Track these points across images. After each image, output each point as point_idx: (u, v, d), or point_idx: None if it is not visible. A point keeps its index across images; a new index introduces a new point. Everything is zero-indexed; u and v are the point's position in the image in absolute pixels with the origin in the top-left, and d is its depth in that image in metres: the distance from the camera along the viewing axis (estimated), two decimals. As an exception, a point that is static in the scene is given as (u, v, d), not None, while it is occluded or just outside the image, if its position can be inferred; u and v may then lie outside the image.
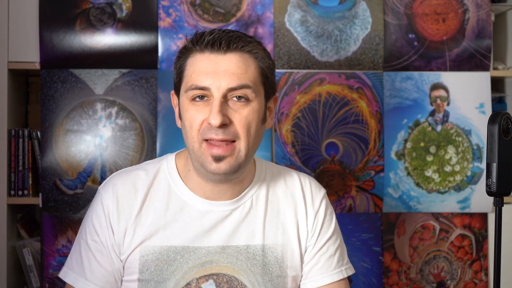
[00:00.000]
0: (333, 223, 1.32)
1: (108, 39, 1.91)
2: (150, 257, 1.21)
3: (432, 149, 2.00)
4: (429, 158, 2.00)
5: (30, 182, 1.95)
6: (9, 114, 1.93)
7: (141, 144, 1.92)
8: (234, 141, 1.16)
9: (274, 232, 1.26)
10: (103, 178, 1.89)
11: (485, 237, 2.03)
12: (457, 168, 2.00)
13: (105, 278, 1.22)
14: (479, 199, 2.00)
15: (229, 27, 1.92)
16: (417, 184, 1.99)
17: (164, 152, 1.88)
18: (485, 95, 2.01)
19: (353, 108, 1.97)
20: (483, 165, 2.00)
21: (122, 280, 1.24)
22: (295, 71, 1.96)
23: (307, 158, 1.96)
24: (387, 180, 1.98)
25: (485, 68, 2.01)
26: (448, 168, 2.00)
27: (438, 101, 2.00)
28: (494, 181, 1.03)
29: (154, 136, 1.92)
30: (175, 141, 1.90)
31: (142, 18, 1.92)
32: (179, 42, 1.91)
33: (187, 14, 1.94)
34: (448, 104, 2.00)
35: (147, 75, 1.92)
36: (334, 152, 1.97)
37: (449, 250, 2.02)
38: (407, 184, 1.99)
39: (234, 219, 1.24)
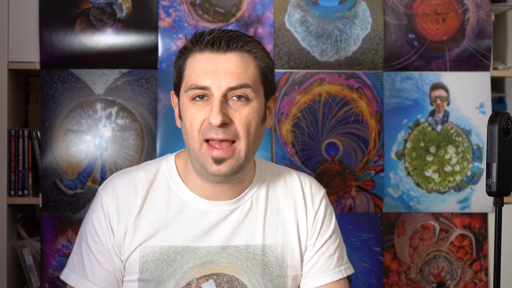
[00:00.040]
0: (332, 223, 1.32)
1: (108, 39, 1.91)
2: (150, 257, 1.21)
3: (432, 149, 2.00)
4: (429, 158, 2.00)
5: (30, 182, 1.95)
6: (9, 114, 1.93)
7: (141, 144, 1.92)
8: (234, 142, 1.16)
9: (274, 232, 1.26)
10: (103, 178, 1.89)
11: (485, 237, 2.03)
12: (457, 168, 2.00)
13: (106, 279, 1.22)
14: (479, 199, 2.00)
15: (229, 27, 1.92)
16: (417, 184, 1.99)
17: (164, 152, 1.88)
18: (485, 95, 2.01)
19: (353, 108, 1.97)
20: (483, 165, 2.00)
21: (123, 281, 1.24)
22: (295, 71, 1.96)
23: (307, 158, 1.96)
24: (387, 180, 1.98)
25: (485, 68, 2.01)
26: (448, 168, 2.00)
27: (438, 101, 2.00)
28: (494, 181, 1.03)
29: (154, 136, 1.92)
30: (175, 141, 1.90)
31: (142, 18, 1.92)
32: (179, 42, 1.91)
33: (187, 14, 1.94)
34: (448, 104, 2.00)
35: (147, 75, 1.92)
36: (334, 152, 1.97)
37: (449, 250, 2.02)
38: (407, 184, 1.99)
39: (234, 219, 1.24)
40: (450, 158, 2.00)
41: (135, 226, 1.22)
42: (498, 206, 1.04)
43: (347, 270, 1.32)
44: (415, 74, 2.00)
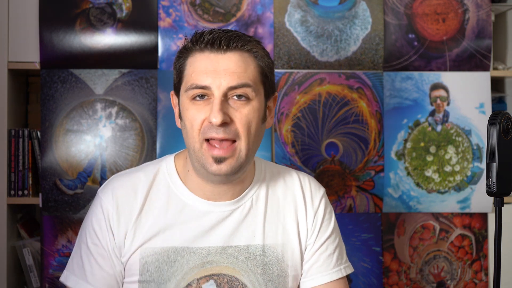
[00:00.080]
0: (332, 222, 1.33)
1: (108, 39, 1.91)
2: (150, 258, 1.21)
3: (432, 149, 2.00)
4: (429, 158, 2.00)
5: (30, 182, 1.95)
6: (9, 114, 1.93)
7: (141, 144, 1.92)
8: (234, 141, 1.16)
9: (274, 232, 1.26)
10: (103, 178, 1.89)
11: (485, 237, 2.03)
12: (457, 168, 2.00)
13: (106, 281, 1.22)
14: (479, 199, 2.00)
15: (229, 27, 1.92)
16: (417, 184, 1.99)
17: (164, 152, 1.88)
18: (485, 95, 2.01)
19: (353, 108, 1.97)
20: (483, 165, 2.00)
21: (123, 282, 1.24)
22: (295, 71, 1.96)
23: (307, 158, 1.96)
24: (387, 180, 1.98)
25: (485, 68, 2.01)
26: (448, 168, 2.00)
27: (438, 101, 2.00)
28: (494, 181, 1.03)
29: (154, 136, 1.92)
30: (175, 141, 1.90)
31: (142, 18, 1.92)
32: (179, 42, 1.91)
33: (187, 14, 1.94)
34: (448, 104, 2.00)
35: (147, 75, 1.92)
36: (334, 152, 1.97)
37: (449, 250, 2.02)
38: (407, 184, 1.99)
39: (234, 219, 1.24)
40: (450, 158, 2.00)
41: (135, 228, 1.21)
42: (498, 206, 1.04)
43: (347, 269, 1.32)
44: (415, 74, 2.00)
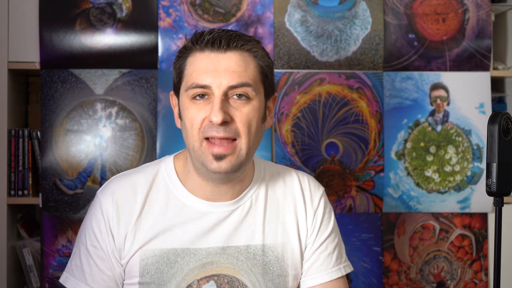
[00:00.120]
0: (331, 221, 1.33)
1: (108, 39, 1.91)
2: (150, 260, 1.21)
3: (432, 149, 2.00)
4: (429, 158, 2.00)
5: (30, 182, 1.95)
6: (9, 114, 1.93)
7: (141, 144, 1.92)
8: (235, 140, 1.16)
9: (274, 232, 1.26)
10: (103, 178, 1.89)
11: (485, 237, 2.03)
12: (457, 168, 2.00)
13: (105, 283, 1.21)
14: (479, 199, 2.00)
15: (229, 27, 1.92)
16: (417, 184, 1.99)
17: (164, 152, 1.88)
18: (485, 95, 2.01)
19: (353, 108, 1.97)
20: (483, 165, 2.00)
21: (123, 284, 1.24)
22: (295, 71, 1.96)
23: (307, 158, 1.96)
24: (387, 180, 1.98)
25: (485, 68, 2.01)
26: (448, 168, 2.00)
27: (438, 101, 2.00)
28: (494, 181, 1.03)
29: (154, 136, 1.92)
30: (175, 141, 1.90)
31: (142, 18, 1.92)
32: (179, 42, 1.91)
33: (187, 14, 1.94)
34: (448, 104, 2.00)
35: (147, 75, 1.92)
36: (334, 152, 1.97)
37: (449, 250, 2.02)
38: (407, 184, 1.99)
39: (234, 219, 1.24)
40: (450, 158, 2.00)
41: (135, 229, 1.21)
42: (498, 206, 1.04)
43: (346, 268, 1.32)
44: (415, 74, 2.00)
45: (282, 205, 1.29)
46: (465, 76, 2.01)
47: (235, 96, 1.16)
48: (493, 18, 2.05)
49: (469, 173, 2.00)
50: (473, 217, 2.02)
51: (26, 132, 1.94)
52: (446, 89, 2.00)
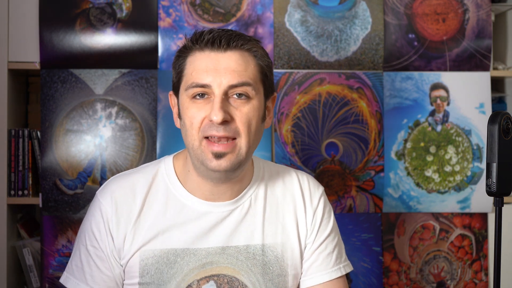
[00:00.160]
0: (331, 221, 1.33)
1: (108, 39, 1.91)
2: (150, 260, 1.21)
3: (432, 149, 2.00)
4: (429, 158, 2.00)
5: (30, 182, 1.95)
6: (9, 114, 1.93)
7: (141, 144, 1.92)
8: (234, 139, 1.16)
9: (273, 231, 1.26)
10: (103, 178, 1.89)
11: (485, 237, 2.03)
12: (457, 168, 2.00)
13: (105, 283, 1.21)
14: (479, 199, 2.00)
15: (229, 27, 1.92)
16: (417, 184, 1.99)
17: (164, 152, 1.88)
18: (485, 95, 2.01)
19: (353, 108, 1.97)
20: (483, 165, 2.00)
21: (123, 284, 1.24)
22: (295, 71, 1.96)
23: (307, 158, 1.96)
24: (387, 180, 1.98)
25: (485, 68, 2.01)
26: (448, 168, 2.00)
27: (438, 101, 2.00)
28: (494, 181, 1.03)
29: (154, 136, 1.92)
30: (175, 141, 1.90)
31: (142, 18, 1.92)
32: (179, 42, 1.91)
33: (187, 14, 1.94)
34: (448, 104, 2.00)
35: (147, 75, 1.92)
36: (334, 152, 1.97)
37: (449, 250, 2.02)
38: (407, 184, 1.99)
39: (233, 219, 1.24)
40: (450, 158, 2.00)
41: (134, 230, 1.21)
42: (498, 206, 1.04)
43: (346, 267, 1.32)
44: (415, 74, 2.00)
45: (282, 205, 1.29)
46: (465, 76, 2.01)
47: (235, 96, 1.16)
48: (493, 18, 2.05)
49: (469, 173, 2.00)
50: (473, 217, 2.02)
51: (26, 132, 1.94)
52: (446, 89, 2.00)
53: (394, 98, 1.99)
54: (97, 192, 1.26)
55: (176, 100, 1.24)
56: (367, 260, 1.98)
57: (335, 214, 1.38)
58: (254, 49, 1.19)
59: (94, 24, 1.91)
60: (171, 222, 1.22)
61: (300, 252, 1.28)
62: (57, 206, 1.89)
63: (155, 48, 1.92)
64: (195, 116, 1.16)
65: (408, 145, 1.99)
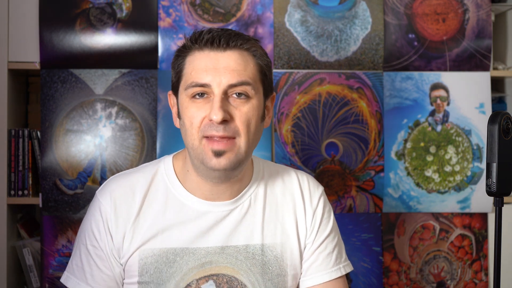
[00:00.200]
0: (331, 221, 1.32)
1: (108, 39, 1.91)
2: (149, 259, 1.21)
3: (432, 149, 2.00)
4: (429, 158, 2.00)
5: (30, 182, 1.95)
6: (9, 114, 1.93)
7: (141, 144, 1.92)
8: (234, 138, 1.16)
9: (273, 231, 1.26)
10: (103, 178, 1.89)
11: (485, 237, 2.03)
12: (457, 168, 2.00)
13: (106, 283, 1.22)
14: (479, 199, 2.00)
15: (229, 27, 1.92)
16: (417, 184, 1.99)
17: (164, 152, 1.88)
18: (485, 95, 2.01)
19: (353, 108, 1.97)
20: (483, 165, 2.00)
21: (123, 283, 1.24)
22: (295, 71, 1.96)
23: (307, 158, 1.96)
24: (387, 180, 1.98)
25: (485, 68, 2.01)
26: (448, 168, 2.00)
27: (438, 101, 2.00)
28: (494, 181, 1.03)
29: (154, 136, 1.92)
30: (175, 141, 1.90)
31: (142, 18, 1.92)
32: (179, 42, 1.91)
33: (187, 14, 1.94)
34: (448, 104, 2.00)
35: (147, 75, 1.92)
36: (334, 152, 1.97)
37: (449, 250, 2.02)
38: (407, 184, 1.99)
39: (232, 219, 1.24)
40: (450, 158, 2.00)
41: (134, 229, 1.21)
42: (498, 206, 1.04)
43: (346, 267, 1.32)
44: (415, 74, 2.00)
45: (281, 204, 1.29)
46: (465, 76, 2.01)
47: (234, 95, 1.16)
48: (493, 18, 2.05)
49: (469, 173, 2.00)
50: (473, 217, 2.02)
51: (26, 132, 1.94)
52: (446, 89, 2.00)
53: (394, 98, 1.99)
54: (96, 192, 1.26)
55: (175, 100, 1.24)
56: (367, 260, 1.98)
57: (335, 214, 1.38)
58: (253, 48, 1.19)
59: (94, 24, 1.91)
60: (170, 222, 1.22)
61: (300, 252, 1.28)
62: (57, 206, 1.89)
63: (155, 48, 1.92)
64: (194, 116, 1.16)
65: (408, 145, 1.99)
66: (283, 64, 1.95)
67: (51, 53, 1.89)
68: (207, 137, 1.15)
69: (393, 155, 1.99)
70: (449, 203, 2.00)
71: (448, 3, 2.00)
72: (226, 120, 1.14)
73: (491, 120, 1.03)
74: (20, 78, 2.05)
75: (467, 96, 2.00)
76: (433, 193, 1.99)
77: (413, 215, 2.00)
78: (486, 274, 2.03)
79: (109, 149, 1.91)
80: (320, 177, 1.95)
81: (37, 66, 1.91)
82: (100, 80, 1.91)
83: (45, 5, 1.90)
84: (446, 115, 2.00)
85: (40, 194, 1.90)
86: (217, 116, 1.12)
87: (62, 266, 1.87)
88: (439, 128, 2.00)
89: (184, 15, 1.94)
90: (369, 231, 1.98)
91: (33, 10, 1.91)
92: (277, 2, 1.95)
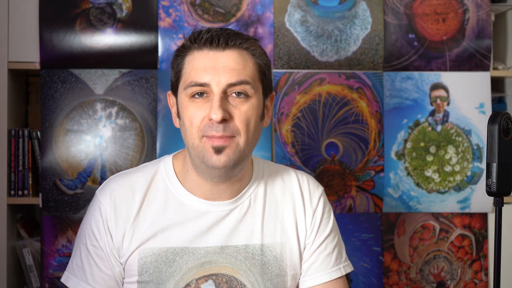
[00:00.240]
0: (331, 221, 1.32)
1: (108, 39, 1.91)
2: (149, 259, 1.21)
3: (432, 149, 2.00)
4: (429, 158, 2.00)
5: (30, 182, 1.95)
6: (9, 114, 1.93)
7: (141, 144, 1.92)
8: (234, 137, 1.16)
9: (272, 231, 1.26)
10: (103, 178, 1.89)
11: (485, 237, 2.03)
12: (457, 168, 2.00)
13: (106, 282, 1.22)
14: (479, 199, 2.00)
15: (229, 27, 1.92)
16: (417, 184, 1.99)
17: (164, 152, 1.88)
18: (485, 95, 2.01)
19: (353, 108, 1.97)
20: (483, 165, 2.00)
21: (123, 283, 1.24)
22: (295, 71, 1.96)
23: (307, 158, 1.96)
24: (387, 180, 1.98)
25: (485, 68, 2.01)
26: (448, 168, 2.00)
27: (438, 101, 2.00)
28: (494, 181, 1.03)
29: (154, 136, 1.92)
30: (175, 141, 1.90)
31: (142, 18, 1.92)
32: (179, 42, 1.90)
33: (187, 14, 1.94)
34: (448, 104, 2.00)
35: (147, 75, 1.92)
36: (334, 152, 1.97)
37: (449, 250, 2.01)
38: (407, 184, 1.99)
39: (232, 219, 1.24)
40: (450, 158, 2.00)
41: (133, 228, 1.21)
42: (498, 206, 1.04)
43: (346, 268, 1.32)
44: (415, 74, 2.00)
45: (281, 204, 1.29)
46: (465, 76, 2.00)
47: (234, 94, 1.16)
48: (493, 18, 2.05)
49: (469, 173, 2.00)
50: (473, 217, 2.02)
51: (26, 132, 1.94)
52: (446, 89, 2.00)
53: (394, 98, 1.99)
54: (96, 192, 1.26)
55: (174, 100, 1.24)
56: (367, 260, 1.98)
57: (335, 214, 1.38)
58: (252, 47, 1.19)
59: (94, 24, 1.91)
60: (170, 221, 1.22)
61: (299, 252, 1.28)
62: (57, 206, 1.89)
63: (155, 48, 1.92)
64: (194, 115, 1.16)
65: (408, 145, 1.99)
66: (283, 64, 1.95)
67: (51, 53, 1.89)
68: (207, 136, 1.15)
69: (393, 155, 1.99)
70: (449, 203, 2.00)
71: (448, 3, 2.00)
72: (226, 119, 1.14)
73: (491, 120, 1.03)
74: (20, 78, 2.05)
75: (467, 96, 2.00)
76: (433, 193, 1.99)
77: (413, 215, 2.00)
78: (486, 274, 2.03)
79: (109, 149, 1.91)
80: (320, 177, 1.95)
81: (37, 66, 1.91)
82: (100, 80, 1.91)
83: (45, 5, 1.90)
84: (446, 115, 2.00)
85: (40, 194, 1.90)
86: (217, 115, 1.12)
87: (62, 266, 1.87)
88: (439, 128, 2.00)
89: (184, 15, 1.94)
90: (369, 231, 1.98)
91: (33, 10, 1.91)
92: (277, 2, 1.95)
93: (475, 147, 2.00)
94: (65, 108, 1.90)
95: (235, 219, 1.24)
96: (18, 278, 2.01)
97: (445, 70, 2.00)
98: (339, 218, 1.91)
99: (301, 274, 1.30)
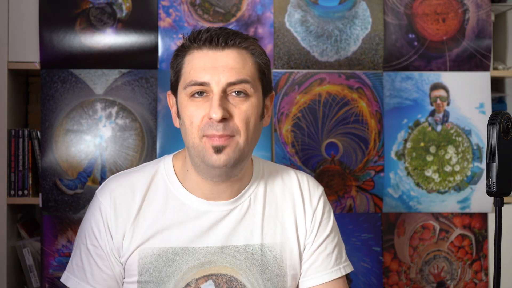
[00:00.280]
0: (331, 221, 1.32)
1: (108, 39, 1.91)
2: (148, 259, 1.21)
3: (432, 149, 2.00)
4: (429, 158, 2.00)
5: (30, 182, 1.95)
6: (9, 114, 1.93)
7: (141, 144, 1.92)
8: (234, 136, 1.16)
9: (272, 231, 1.26)
10: (103, 178, 1.89)
11: (485, 237, 2.03)
12: (457, 168, 2.00)
13: (106, 282, 1.22)
14: (479, 199, 2.00)
15: (229, 27, 1.92)
16: (417, 184, 1.99)
17: (164, 152, 1.88)
18: (485, 95, 2.01)
19: (353, 108, 1.97)
20: (483, 165, 2.00)
21: (123, 283, 1.24)
22: (295, 71, 1.96)
23: (307, 158, 1.96)
24: (387, 180, 1.98)
25: (485, 68, 2.01)
26: (448, 168, 2.00)
27: (438, 101, 2.00)
28: (494, 181, 1.03)
29: (154, 136, 1.92)
30: (175, 141, 1.90)
31: (142, 18, 1.92)
32: (179, 42, 1.90)
33: (187, 14, 1.94)
34: (448, 104, 2.00)
35: (147, 75, 1.92)
36: (334, 152, 1.97)
37: (449, 250, 2.01)
38: (407, 184, 1.99)
39: (232, 218, 1.24)
40: (450, 158, 2.00)
41: (133, 228, 1.21)
42: (498, 206, 1.04)
43: (346, 268, 1.32)
44: (415, 74, 2.00)
45: (281, 204, 1.29)
46: (465, 76, 2.01)
47: (233, 93, 1.16)
48: (493, 18, 2.05)
49: (469, 173, 2.00)
50: (473, 217, 2.02)
51: (26, 132, 1.94)
52: (446, 89, 2.00)
53: (394, 98, 1.99)
54: (96, 191, 1.26)
55: (174, 100, 1.24)
56: (367, 260, 1.98)
57: (335, 214, 1.38)
58: (252, 47, 1.19)
59: (94, 24, 1.91)
60: (170, 221, 1.22)
61: (299, 253, 1.28)
62: (57, 206, 1.89)
63: (155, 48, 1.92)
64: (194, 115, 1.16)
65: (408, 145, 1.99)
66: (283, 64, 1.95)
67: (51, 53, 1.89)
68: (207, 136, 1.15)
69: (393, 155, 1.99)
70: (449, 203, 2.00)
71: (448, 3, 2.00)
72: (226, 118, 1.14)
73: (491, 120, 1.03)
74: (20, 78, 2.05)
75: (467, 96, 2.00)
76: (433, 193, 1.99)
77: (413, 215, 2.00)
78: (486, 274, 2.03)
79: (109, 149, 1.91)
80: (320, 177, 1.95)
81: (37, 66, 1.91)
82: (100, 80, 1.91)
83: (45, 5, 1.90)
84: (446, 115, 2.00)
85: (40, 194, 1.90)
86: (217, 114, 1.12)
87: (62, 266, 1.87)
88: (439, 128, 2.00)
89: (184, 15, 1.94)
90: (369, 231, 1.98)
91: (33, 10, 1.91)
92: (277, 2, 1.95)
93: (475, 147, 2.00)
94: (65, 108, 1.90)
95: (235, 219, 1.24)
96: (18, 278, 2.01)
97: (445, 70, 2.00)
98: (339, 218, 1.91)
99: (301, 274, 1.30)
